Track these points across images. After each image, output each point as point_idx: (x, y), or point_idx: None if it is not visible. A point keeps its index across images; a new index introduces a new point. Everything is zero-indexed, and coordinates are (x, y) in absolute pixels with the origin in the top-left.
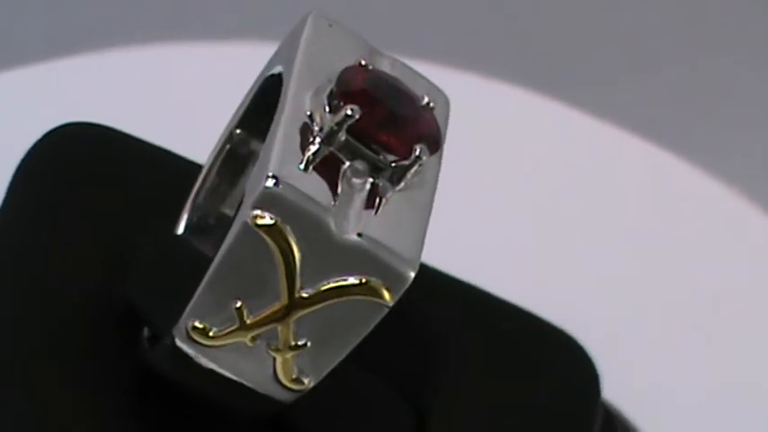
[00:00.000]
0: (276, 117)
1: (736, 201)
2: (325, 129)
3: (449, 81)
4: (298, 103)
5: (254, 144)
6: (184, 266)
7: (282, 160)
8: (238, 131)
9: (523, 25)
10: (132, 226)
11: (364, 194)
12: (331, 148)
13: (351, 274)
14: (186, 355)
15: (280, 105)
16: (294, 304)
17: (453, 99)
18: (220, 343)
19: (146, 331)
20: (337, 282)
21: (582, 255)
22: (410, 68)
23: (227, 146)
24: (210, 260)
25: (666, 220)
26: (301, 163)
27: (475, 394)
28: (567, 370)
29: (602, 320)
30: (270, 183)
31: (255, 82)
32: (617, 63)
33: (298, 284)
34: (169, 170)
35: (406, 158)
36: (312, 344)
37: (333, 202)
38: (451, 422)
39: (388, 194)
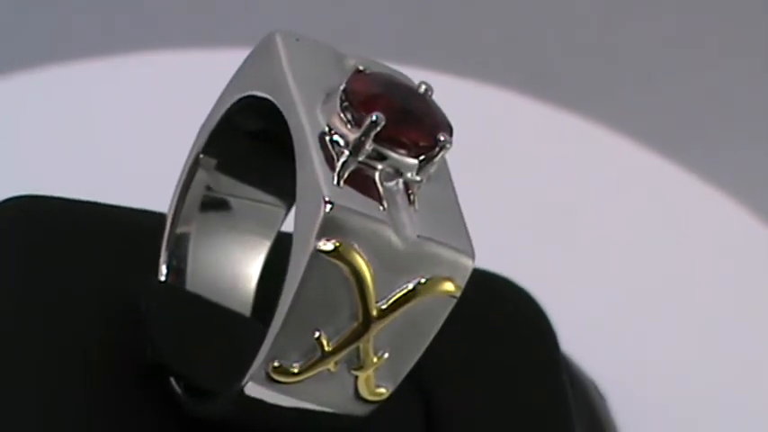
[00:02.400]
0: (298, 140)
1: (732, 207)
2: (352, 141)
3: (447, 87)
4: (314, 123)
5: (204, 159)
6: (196, 314)
7: (328, 182)
8: (202, 156)
9: (525, 34)
10: (111, 284)
11: (402, 196)
12: (359, 159)
13: (418, 277)
14: (257, 399)
15: (295, 129)
16: (372, 320)
17: (451, 105)
18: (304, 377)
19: (175, 385)
20: (406, 287)
21: (577, 256)
22: (379, 63)
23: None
24: (208, 301)
25: (663, 224)
26: (338, 179)
27: (458, 363)
28: (522, 320)
29: (594, 317)
30: (328, 208)
31: (218, 106)
32: (618, 72)
33: (373, 300)
34: (128, 225)
35: (431, 149)
36: (390, 353)
37: (381, 209)
38: (452, 395)
39: (416, 189)
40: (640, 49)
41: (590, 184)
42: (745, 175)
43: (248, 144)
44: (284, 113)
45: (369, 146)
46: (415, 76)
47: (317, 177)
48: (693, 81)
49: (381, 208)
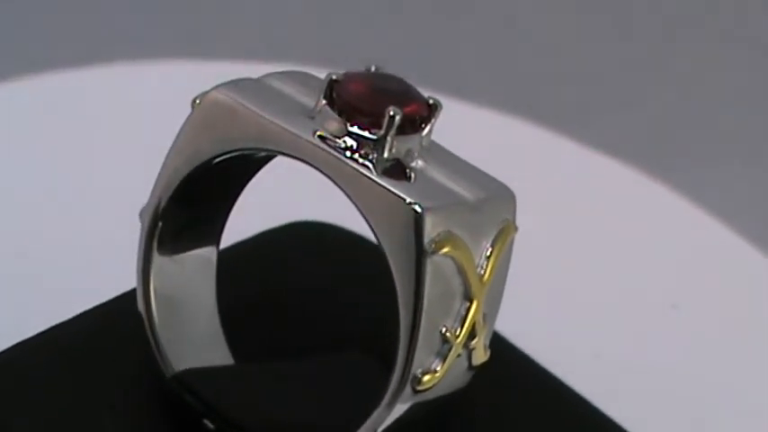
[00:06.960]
0: (324, 165)
1: (717, 228)
2: (377, 140)
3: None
4: (326, 141)
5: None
6: (250, 381)
7: (397, 186)
8: (161, 224)
9: (517, 60)
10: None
11: (428, 169)
12: (386, 155)
13: (490, 233)
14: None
15: (319, 160)
16: (480, 292)
17: (448, 128)
18: (443, 372)
19: None
20: (489, 245)
21: (563, 273)
22: (297, 71)
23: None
24: (248, 366)
25: (648, 243)
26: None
27: None
28: None
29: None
30: (418, 209)
31: (168, 176)
32: (605, 96)
33: (476, 274)
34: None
35: (427, 116)
36: (487, 313)
37: (435, 189)
38: None
39: (430, 158)
40: (622, 68)
41: (567, 199)
42: (727, 193)
43: (193, 202)
44: (286, 151)
45: (388, 138)
46: None
47: (381, 186)
48: (675, 100)
49: (430, 188)
